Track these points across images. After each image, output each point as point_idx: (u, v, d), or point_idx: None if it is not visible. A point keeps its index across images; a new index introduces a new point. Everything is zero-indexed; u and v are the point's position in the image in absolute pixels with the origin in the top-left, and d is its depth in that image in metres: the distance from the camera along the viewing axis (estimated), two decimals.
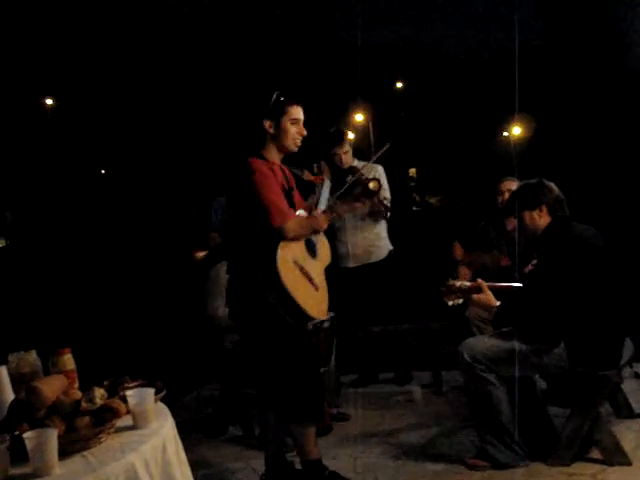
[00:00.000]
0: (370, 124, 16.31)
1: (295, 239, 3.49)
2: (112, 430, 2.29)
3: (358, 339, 5.53)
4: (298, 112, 3.64)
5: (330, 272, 5.48)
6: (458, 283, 4.00)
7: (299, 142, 3.66)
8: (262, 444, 4.31)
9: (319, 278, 3.68)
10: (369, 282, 5.49)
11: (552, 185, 3.90)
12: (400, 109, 18.22)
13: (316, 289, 3.61)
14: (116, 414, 2.26)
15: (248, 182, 3.44)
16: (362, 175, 5.11)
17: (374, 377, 5.72)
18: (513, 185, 4.93)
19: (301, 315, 3.46)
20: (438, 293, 4.06)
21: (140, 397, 2.34)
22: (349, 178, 5.19)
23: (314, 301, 3.57)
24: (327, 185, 4.04)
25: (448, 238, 5.52)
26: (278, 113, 3.58)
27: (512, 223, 4.88)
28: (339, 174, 5.28)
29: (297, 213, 3.65)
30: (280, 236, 3.40)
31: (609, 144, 14.05)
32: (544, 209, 3.82)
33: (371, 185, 4.61)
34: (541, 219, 3.83)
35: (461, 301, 4.02)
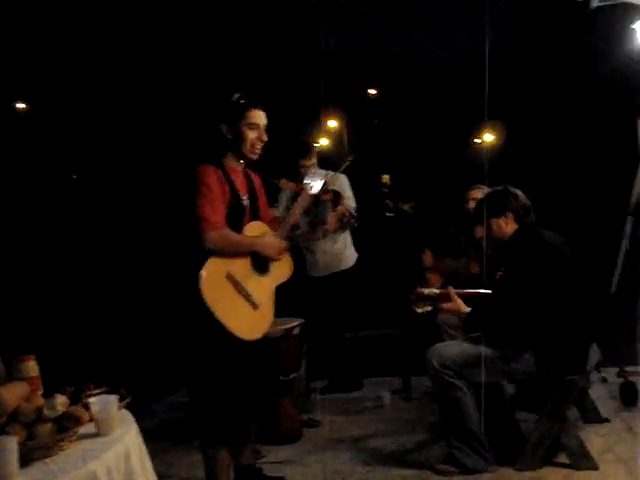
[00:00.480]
0: (344, 130, 16.33)
1: (217, 251, 3.28)
2: (74, 437, 2.26)
3: (329, 346, 5.53)
4: (258, 116, 3.47)
5: (299, 281, 5.46)
6: (426, 290, 4.02)
7: (258, 149, 3.49)
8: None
9: (262, 296, 3.45)
10: (340, 289, 5.53)
11: (518, 192, 3.94)
12: (374, 116, 18.28)
13: (254, 307, 3.40)
14: (78, 421, 2.23)
15: (189, 189, 3.33)
16: (327, 188, 5.20)
17: (358, 383, 5.73)
18: (480, 193, 4.96)
19: (225, 333, 3.26)
20: (407, 300, 4.08)
21: (103, 404, 2.32)
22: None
23: (247, 320, 3.37)
24: (306, 197, 3.82)
25: (420, 244, 5.54)
26: (236, 117, 3.42)
27: (480, 231, 4.91)
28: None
29: (250, 224, 3.50)
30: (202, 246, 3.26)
31: (578, 150, 14.21)
32: (510, 216, 3.86)
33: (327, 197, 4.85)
34: (508, 226, 3.86)
35: (430, 308, 4.04)
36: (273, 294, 3.55)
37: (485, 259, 4.72)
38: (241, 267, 3.39)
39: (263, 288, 3.47)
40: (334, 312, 5.51)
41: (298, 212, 3.67)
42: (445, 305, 3.93)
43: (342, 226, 5.36)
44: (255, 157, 3.52)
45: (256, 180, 3.70)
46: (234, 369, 3.35)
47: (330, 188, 5.24)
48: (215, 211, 3.31)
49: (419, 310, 4.04)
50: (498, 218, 3.88)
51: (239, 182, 3.51)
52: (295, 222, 3.71)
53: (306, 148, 5.50)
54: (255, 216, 3.56)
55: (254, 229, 3.51)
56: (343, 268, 5.60)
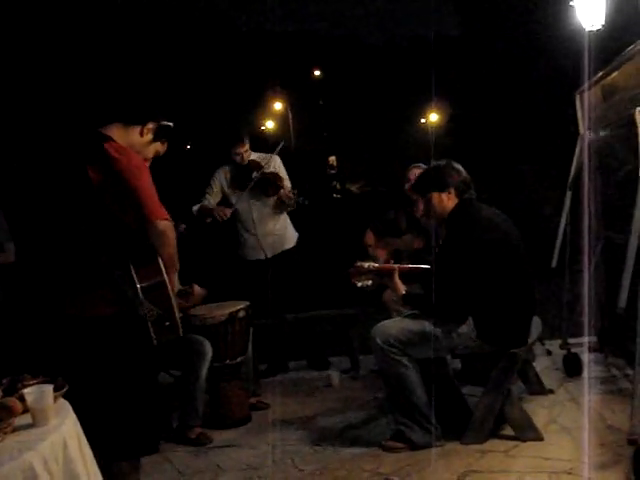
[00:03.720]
0: (289, 112, 16.31)
1: (158, 244, 3.01)
2: (9, 429, 2.21)
3: (273, 328, 5.52)
4: (162, 150, 3.50)
5: (240, 264, 5.56)
6: (366, 264, 4.05)
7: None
8: (180, 437, 4.26)
9: None
10: (286, 269, 5.57)
11: (459, 167, 3.95)
12: (319, 97, 18.30)
13: None
14: (11, 412, 2.18)
15: (123, 172, 2.99)
16: (265, 171, 5.38)
17: (284, 366, 5.73)
18: (415, 172, 5.00)
19: (172, 330, 3.07)
20: (346, 274, 4.09)
21: (38, 394, 2.27)
22: (255, 174, 5.37)
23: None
24: None
25: (364, 224, 5.56)
26: (160, 135, 3.38)
27: (421, 210, 4.97)
28: (241, 170, 5.46)
29: None
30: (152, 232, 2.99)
31: (520, 127, 14.43)
32: (452, 191, 3.88)
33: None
34: (449, 201, 3.88)
35: (370, 282, 4.06)
36: None
37: (427, 235, 4.77)
38: None
39: None
40: (281, 293, 5.52)
41: None
42: (388, 281, 3.98)
43: (282, 206, 5.48)
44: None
45: None
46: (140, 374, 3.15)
47: (268, 170, 5.38)
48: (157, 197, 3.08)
49: (359, 284, 4.06)
50: (440, 193, 3.89)
51: None
52: None
53: (239, 136, 5.53)
54: None
55: None
56: (286, 247, 5.65)
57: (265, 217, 5.57)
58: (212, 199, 5.53)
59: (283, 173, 5.54)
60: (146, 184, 3.01)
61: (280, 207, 5.53)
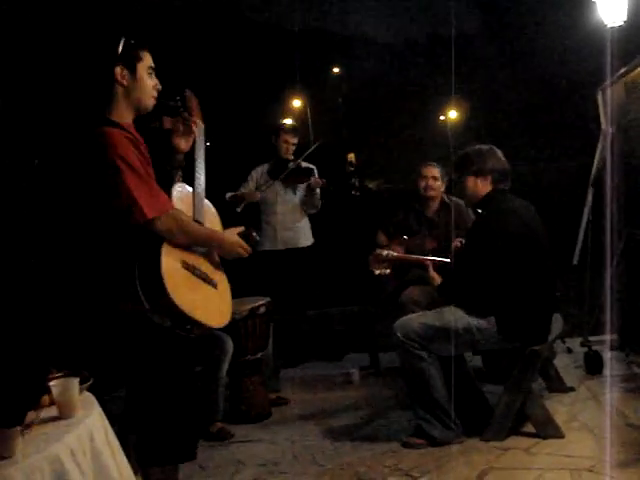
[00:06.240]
0: (308, 110, 16.28)
1: (171, 239, 2.69)
2: (36, 421, 2.23)
3: (292, 324, 5.53)
4: (151, 59, 2.82)
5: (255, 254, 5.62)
6: (385, 252, 4.04)
7: (155, 98, 2.85)
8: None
9: (215, 273, 2.96)
10: (298, 265, 5.70)
11: (500, 155, 3.92)
12: (338, 94, 18.26)
13: (215, 287, 2.93)
14: (38, 404, 2.20)
15: (105, 165, 2.60)
16: (300, 164, 5.61)
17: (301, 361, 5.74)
18: (433, 171, 4.99)
19: (198, 327, 2.76)
20: (365, 262, 4.08)
21: (64, 387, 2.28)
22: (290, 164, 5.56)
23: (213, 304, 2.91)
24: (202, 133, 3.09)
25: (379, 223, 5.55)
26: (133, 59, 2.76)
27: (432, 209, 4.99)
28: (280, 163, 5.63)
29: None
30: (149, 231, 2.64)
31: (543, 124, 14.34)
32: (489, 178, 3.85)
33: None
34: (483, 187, 3.86)
35: (388, 271, 4.06)
36: (220, 265, 3.05)
37: (439, 235, 4.76)
38: (187, 249, 2.85)
39: (211, 263, 2.98)
40: (294, 289, 5.61)
41: (201, 166, 3.07)
42: (431, 273, 4.01)
43: (308, 203, 5.68)
44: (152, 107, 2.86)
45: (139, 137, 2.85)
46: (179, 370, 2.86)
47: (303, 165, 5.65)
48: (151, 189, 2.69)
49: (377, 272, 4.06)
50: (476, 177, 3.87)
51: (141, 142, 2.80)
52: None
53: (293, 126, 5.83)
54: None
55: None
56: (301, 245, 5.76)
57: (288, 211, 5.69)
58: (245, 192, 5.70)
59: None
60: (128, 178, 2.59)
61: (305, 204, 5.69)
